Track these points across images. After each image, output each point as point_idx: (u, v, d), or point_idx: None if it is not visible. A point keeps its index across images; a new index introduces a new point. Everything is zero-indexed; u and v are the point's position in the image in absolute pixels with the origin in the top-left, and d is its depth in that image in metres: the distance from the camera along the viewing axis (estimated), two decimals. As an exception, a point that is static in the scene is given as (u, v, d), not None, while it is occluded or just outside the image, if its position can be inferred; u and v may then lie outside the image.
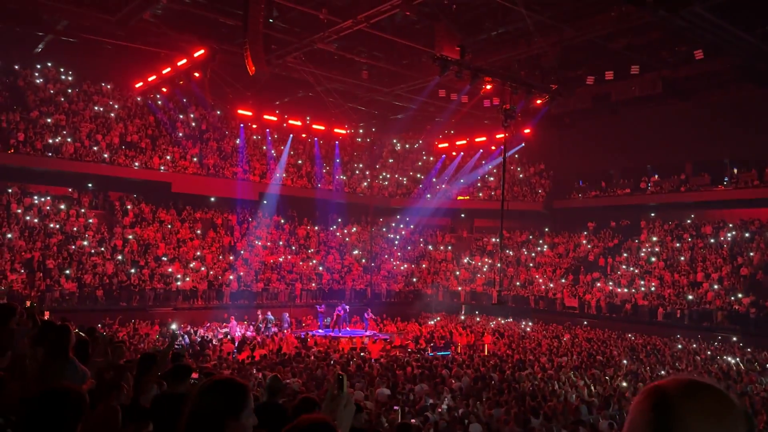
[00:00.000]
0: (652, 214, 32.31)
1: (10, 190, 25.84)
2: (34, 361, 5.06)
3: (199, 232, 30.17)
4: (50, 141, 26.73)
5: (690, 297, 25.00)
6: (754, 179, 28.42)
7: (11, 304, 6.77)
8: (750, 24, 21.48)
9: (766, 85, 24.74)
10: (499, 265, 32.89)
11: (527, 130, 31.67)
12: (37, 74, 29.43)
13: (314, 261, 32.04)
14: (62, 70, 30.26)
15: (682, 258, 28.25)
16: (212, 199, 32.03)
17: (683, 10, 19.12)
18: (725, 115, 27.07)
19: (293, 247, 32.68)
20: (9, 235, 23.53)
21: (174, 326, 20.91)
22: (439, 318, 29.23)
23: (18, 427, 2.54)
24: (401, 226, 37.95)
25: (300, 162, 36.38)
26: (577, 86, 28.50)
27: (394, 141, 41.02)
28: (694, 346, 21.51)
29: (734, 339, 21.92)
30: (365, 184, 38.14)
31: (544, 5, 23.28)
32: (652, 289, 26.86)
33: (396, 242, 36.85)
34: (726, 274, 25.69)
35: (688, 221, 30.78)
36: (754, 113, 26.48)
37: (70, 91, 30.01)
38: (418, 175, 39.88)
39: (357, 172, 38.86)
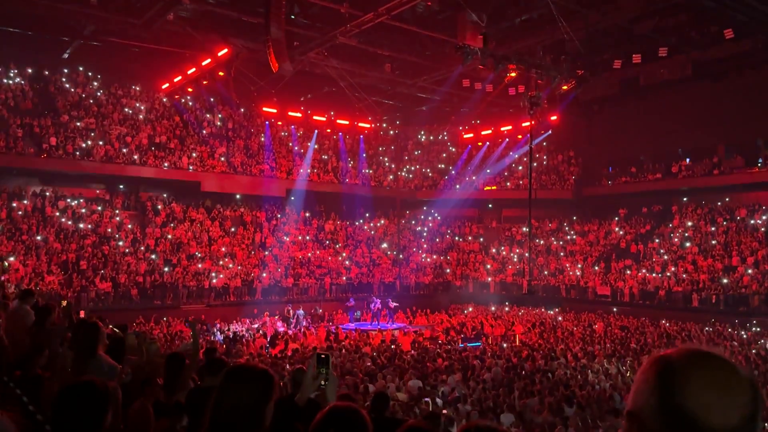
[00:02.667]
0: (684, 199, 31.88)
1: (45, 194, 26.43)
2: (67, 359, 5.19)
3: (232, 229, 30.50)
4: (81, 144, 27.26)
5: (725, 281, 24.68)
6: (789, 160, 28.02)
7: (48, 304, 6.94)
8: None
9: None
10: (528, 254, 32.71)
11: (554, 117, 31.35)
12: (65, 79, 29.99)
13: (343, 255, 32.19)
14: (90, 74, 30.81)
15: (716, 242, 27.84)
16: (240, 196, 32.33)
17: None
18: (757, 95, 26.63)
19: (322, 242, 32.86)
20: (40, 237, 24.07)
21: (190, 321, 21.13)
22: (471, 309, 29.18)
23: (61, 424, 2.60)
24: (428, 218, 37.91)
25: (325, 157, 36.54)
26: (604, 71, 28.19)
27: (419, 133, 40.92)
28: (730, 330, 21.27)
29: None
30: (391, 177, 38.19)
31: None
32: (686, 275, 26.51)
33: (424, 234, 36.82)
34: (762, 257, 25.33)
35: (721, 204, 30.28)
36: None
37: (98, 94, 30.54)
38: (444, 167, 39.76)
39: (383, 165, 38.87)
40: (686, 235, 29.49)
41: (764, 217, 27.68)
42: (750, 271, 24.80)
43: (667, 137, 31.82)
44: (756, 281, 23.98)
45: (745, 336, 20.31)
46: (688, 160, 32.06)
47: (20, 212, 24.89)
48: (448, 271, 33.95)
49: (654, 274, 27.67)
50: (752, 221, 28.03)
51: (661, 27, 25.54)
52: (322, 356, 2.63)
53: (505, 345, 19.47)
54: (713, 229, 28.87)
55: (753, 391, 1.18)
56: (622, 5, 23.82)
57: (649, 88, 28.40)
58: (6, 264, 19.82)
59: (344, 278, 30.33)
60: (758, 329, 21.15)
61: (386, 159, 39.37)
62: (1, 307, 6.05)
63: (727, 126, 29.11)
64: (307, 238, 32.61)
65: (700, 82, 26.98)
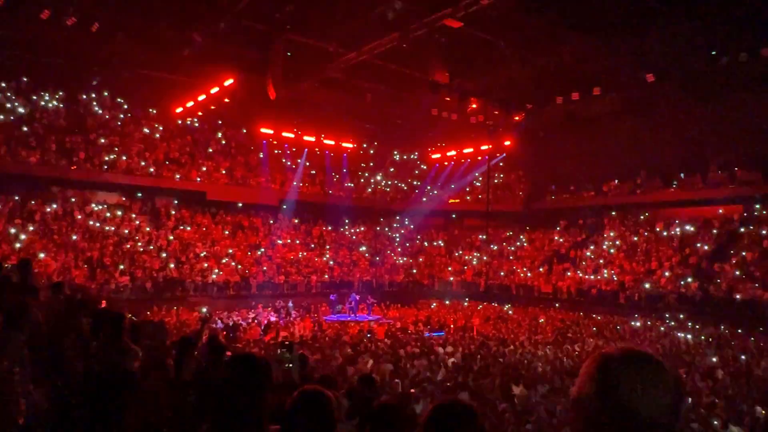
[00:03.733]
0: (613, 213, 32.21)
1: (73, 200, 26.16)
2: (92, 342, 5.15)
3: (228, 232, 30.27)
4: (106, 158, 27.04)
5: (646, 284, 25.03)
6: (698, 183, 28.50)
7: (77, 298, 6.88)
8: (693, 53, 21.71)
9: (703, 103, 24.73)
10: (485, 258, 33.02)
11: (507, 143, 31.69)
12: (94, 102, 29.67)
13: (327, 256, 32.09)
14: (115, 98, 30.48)
15: (639, 249, 28.23)
16: (240, 204, 32.12)
17: (639, 38, 19.27)
18: (673, 128, 27.09)
19: (309, 245, 32.74)
20: (74, 237, 23.82)
21: (204, 309, 20.96)
22: (436, 304, 29.25)
23: (86, 401, 2.60)
24: (401, 225, 37.98)
25: (313, 172, 36.43)
26: (548, 105, 28.58)
27: (394, 153, 41.03)
28: (649, 323, 21.55)
29: (681, 317, 21.96)
30: (369, 189, 38.20)
31: (520, 39, 23.39)
32: (614, 277, 26.84)
33: (397, 239, 36.87)
34: (676, 263, 25.72)
35: (643, 218, 30.71)
36: (697, 126, 26.53)
37: (122, 116, 30.27)
38: (415, 182, 39.91)
39: (362, 179, 38.87)
40: (615, 243, 29.81)
41: (678, 230, 28.13)
42: (666, 273, 25.12)
43: (600, 161, 32.18)
44: (671, 282, 24.33)
45: (662, 329, 20.60)
46: (616, 181, 32.48)
47: (52, 216, 24.60)
48: (416, 271, 34.00)
49: (588, 276, 27.94)
50: (667, 233, 28.43)
51: (596, 70, 26.01)
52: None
53: (464, 334, 19.58)
54: (636, 238, 29.21)
55: (676, 388, 1.22)
56: (563, 52, 24.26)
57: (586, 120, 28.72)
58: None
59: (327, 276, 30.22)
60: (672, 323, 21.51)
61: (366, 174, 39.36)
62: (34, 295, 5.99)
63: (648, 153, 29.56)
64: (297, 241, 32.45)
65: (627, 116, 27.34)
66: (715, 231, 26.80)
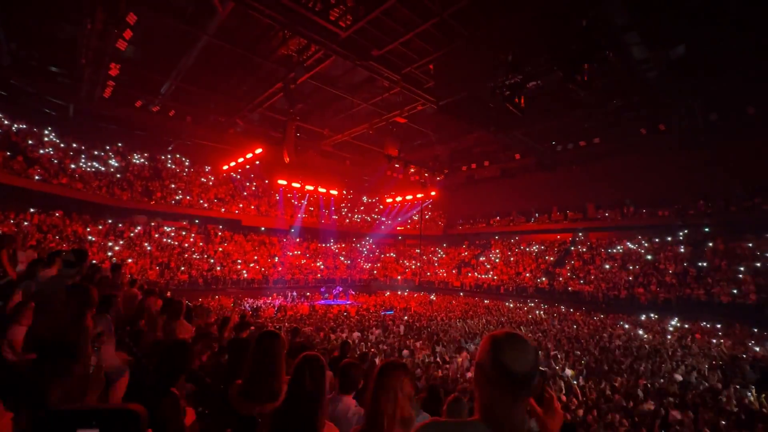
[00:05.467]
0: (496, 237, 33.00)
1: (152, 224, 24.85)
2: (159, 320, 4.87)
3: (255, 247, 29.26)
4: (175, 197, 25.92)
5: (517, 280, 25.52)
6: (546, 219, 29.60)
7: (150, 288, 6.50)
8: (540, 143, 22.76)
9: (548, 171, 25.71)
10: (418, 264, 33.10)
11: (433, 193, 32.06)
12: (169, 161, 28.60)
13: (319, 262, 31.49)
14: (183, 159, 29.48)
15: (512, 260, 28.84)
16: (263, 228, 31.29)
17: (510, 133, 20.09)
18: (531, 186, 28.17)
19: (308, 255, 32.09)
20: (148, 248, 22.56)
21: (233, 300, 20.17)
22: (388, 293, 28.99)
23: (155, 364, 2.46)
24: (367, 243, 37.79)
25: (312, 209, 35.96)
26: (458, 170, 29.41)
27: (363, 197, 41.08)
28: (518, 305, 21.94)
29: (537, 301, 22.44)
30: (347, 220, 37.95)
31: (441, 130, 24.11)
32: (497, 277, 27.28)
33: (364, 252, 36.60)
34: (534, 268, 26.37)
35: (513, 241, 31.39)
36: (545, 186, 27.67)
37: (187, 171, 29.22)
38: (376, 216, 39.95)
39: (343, 214, 38.64)
40: (497, 256, 30.37)
41: (535, 248, 28.93)
42: (528, 274, 25.75)
43: (487, 204, 33.13)
44: (531, 280, 24.91)
45: (526, 308, 20.99)
46: (498, 217, 33.38)
47: (136, 235, 23.30)
48: (376, 272, 33.77)
49: (481, 276, 28.26)
50: (528, 249, 29.21)
51: (486, 151, 27.01)
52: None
53: (405, 313, 19.45)
54: (510, 253, 29.89)
55: (535, 353, 1.26)
56: (467, 139, 25.13)
57: (480, 180, 29.69)
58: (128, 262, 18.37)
59: (319, 275, 29.61)
60: (532, 305, 22.02)
61: (345, 210, 39.17)
62: (119, 289, 5.63)
63: (516, 201, 30.69)
64: (299, 252, 31.75)
65: (504, 179, 28.38)
66: (556, 249, 27.62)
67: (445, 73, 13.71)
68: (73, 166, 22.24)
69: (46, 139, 22.18)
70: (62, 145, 22.89)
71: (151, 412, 2.22)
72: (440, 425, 1.28)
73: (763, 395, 7.50)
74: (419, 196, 32.45)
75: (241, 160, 26.93)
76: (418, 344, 11.49)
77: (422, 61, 14.60)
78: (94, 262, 7.94)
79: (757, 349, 11.41)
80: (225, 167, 29.63)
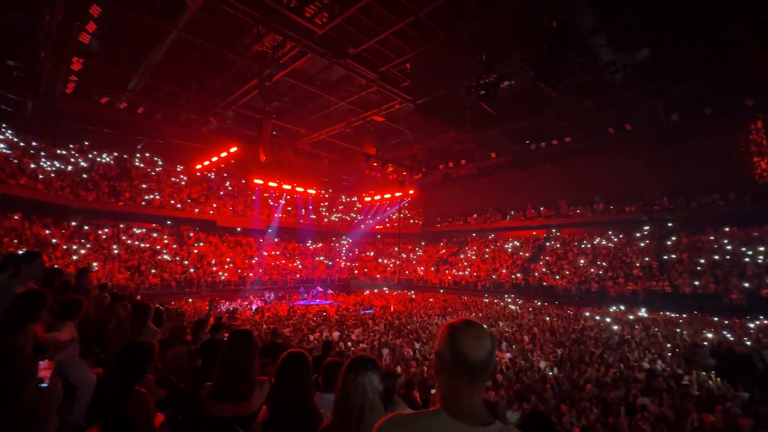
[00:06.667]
0: (474, 234, 33.47)
1: (121, 226, 23.76)
2: (127, 326, 4.69)
3: (230, 248, 28.57)
4: (145, 197, 24.87)
5: (493, 276, 25.91)
6: (521, 217, 30.27)
7: (118, 294, 6.24)
8: (516, 143, 23.25)
9: (522, 169, 26.23)
10: (398, 262, 33.21)
11: (411, 191, 32.35)
12: (137, 160, 27.40)
13: (298, 262, 31.08)
14: (154, 158, 28.33)
15: (488, 257, 29.25)
16: (239, 229, 30.60)
17: (485, 132, 20.44)
18: (507, 184, 28.69)
19: (285, 255, 31.60)
20: (116, 251, 21.55)
21: (210, 300, 19.63)
22: (367, 292, 28.92)
23: (116, 364, 2.39)
24: (346, 242, 37.60)
25: (289, 208, 35.42)
26: (435, 169, 29.65)
27: (342, 197, 40.85)
28: (496, 300, 22.29)
29: (513, 296, 22.83)
30: (326, 219, 37.62)
31: (418, 129, 24.22)
32: (474, 273, 27.60)
33: (343, 251, 36.40)
34: (509, 264, 26.86)
35: (490, 238, 31.89)
36: (520, 185, 28.26)
37: (158, 169, 28.08)
38: (355, 215, 39.78)
39: (322, 213, 38.29)
40: (474, 252, 30.76)
41: (510, 245, 29.49)
42: (504, 270, 26.22)
43: (465, 203, 33.59)
44: (507, 276, 25.37)
45: (502, 303, 21.32)
46: (475, 215, 33.86)
47: (104, 237, 22.19)
48: (356, 271, 33.65)
49: (459, 272, 28.53)
50: (506, 246, 29.76)
51: (462, 149, 27.35)
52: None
53: (385, 311, 19.45)
54: (487, 250, 30.34)
55: (492, 341, 1.27)
56: (443, 138, 25.37)
57: (457, 178, 30.01)
58: (95, 266, 17.56)
59: (297, 276, 29.22)
60: (509, 299, 22.43)
61: (324, 209, 38.84)
62: (86, 294, 5.37)
63: (493, 199, 31.28)
64: (277, 253, 31.23)
65: (480, 177, 28.79)
66: (531, 245, 28.27)
67: (422, 71, 13.82)
68: (33, 165, 20.99)
69: (1, 137, 20.84)
70: (21, 144, 21.57)
71: (119, 410, 2.17)
72: (403, 418, 1.28)
73: (718, 379, 7.99)
74: (397, 194, 32.54)
75: (215, 159, 26.17)
76: (398, 342, 11.53)
77: (399, 59, 14.65)
78: (56, 266, 7.53)
79: (710, 336, 12.11)
80: (198, 166, 28.70)
